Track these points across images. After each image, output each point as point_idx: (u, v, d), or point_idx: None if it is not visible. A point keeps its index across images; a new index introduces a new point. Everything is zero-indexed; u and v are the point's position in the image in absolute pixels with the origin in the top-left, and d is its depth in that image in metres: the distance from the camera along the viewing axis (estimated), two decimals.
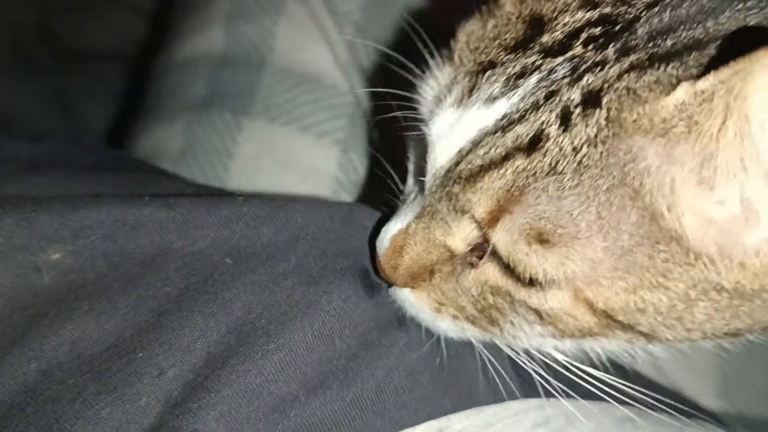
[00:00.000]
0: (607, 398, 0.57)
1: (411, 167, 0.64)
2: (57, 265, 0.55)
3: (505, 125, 0.50)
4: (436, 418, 0.56)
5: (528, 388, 0.59)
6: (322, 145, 0.88)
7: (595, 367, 0.59)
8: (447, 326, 0.60)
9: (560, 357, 0.59)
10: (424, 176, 0.56)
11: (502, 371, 0.59)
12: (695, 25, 0.49)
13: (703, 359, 0.64)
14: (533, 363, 0.59)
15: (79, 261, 0.56)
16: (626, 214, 0.48)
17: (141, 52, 1.22)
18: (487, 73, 0.53)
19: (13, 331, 0.53)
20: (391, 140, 0.65)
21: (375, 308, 0.59)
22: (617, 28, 0.50)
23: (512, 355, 0.59)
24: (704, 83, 0.44)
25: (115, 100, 1.28)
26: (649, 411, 0.57)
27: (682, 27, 0.49)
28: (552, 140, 0.49)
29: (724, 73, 0.42)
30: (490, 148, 0.50)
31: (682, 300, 0.50)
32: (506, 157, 0.50)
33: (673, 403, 0.58)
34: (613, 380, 0.57)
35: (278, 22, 0.90)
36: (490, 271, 0.55)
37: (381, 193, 0.67)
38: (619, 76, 0.48)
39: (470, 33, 0.57)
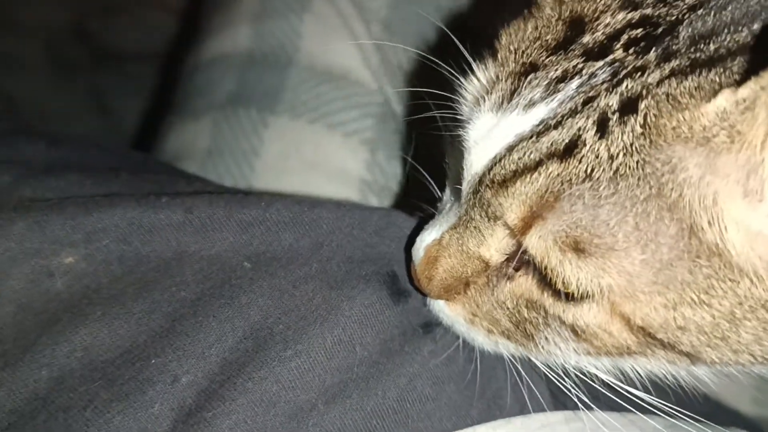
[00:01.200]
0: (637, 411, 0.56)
1: (449, 174, 0.64)
2: (70, 269, 0.56)
3: (541, 130, 0.50)
4: (462, 428, 0.56)
5: (558, 402, 0.59)
6: (350, 144, 0.89)
7: (635, 387, 0.58)
8: (481, 339, 0.60)
9: (599, 374, 0.58)
10: (461, 184, 0.56)
11: (532, 385, 0.58)
12: (740, 28, 0.48)
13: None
14: (568, 379, 0.58)
15: (93, 265, 0.56)
16: (665, 226, 0.47)
17: (174, 50, 1.25)
18: (529, 77, 0.52)
19: (25, 337, 0.53)
20: (429, 144, 0.65)
21: (400, 315, 0.59)
22: (659, 30, 0.50)
23: (546, 371, 0.59)
24: (745, 90, 0.43)
25: (150, 100, 1.31)
26: (681, 423, 0.56)
27: (726, 30, 0.48)
28: (588, 147, 0.48)
29: (765, 78, 0.42)
30: (525, 153, 0.50)
31: (727, 319, 0.49)
32: (540, 163, 0.49)
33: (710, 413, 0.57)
34: (654, 400, 0.57)
35: (304, 20, 0.92)
36: (525, 284, 0.55)
37: (419, 199, 0.67)
38: (659, 83, 0.47)
39: (512, 34, 0.57)
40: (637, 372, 0.58)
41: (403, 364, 0.57)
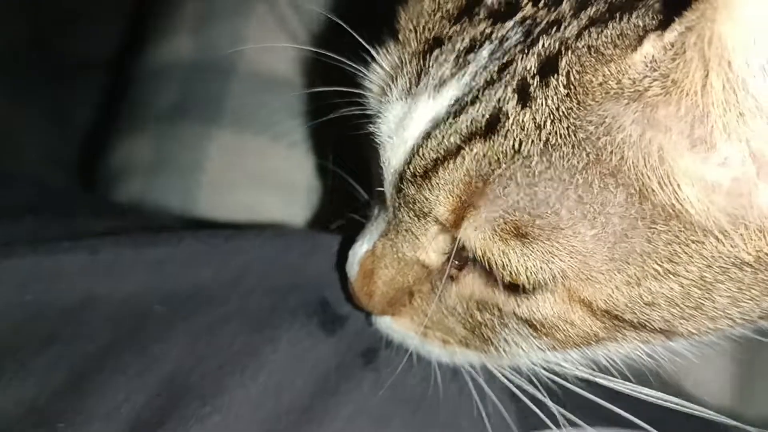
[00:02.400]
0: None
1: (373, 176, 0.59)
2: None
3: (457, 110, 0.46)
4: None
5: (527, 423, 0.54)
6: (295, 154, 0.86)
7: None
8: (437, 351, 0.56)
9: (572, 370, 0.54)
10: (381, 185, 0.52)
11: (497, 402, 0.54)
12: None
13: (716, 364, 0.59)
14: (540, 384, 0.54)
15: None
16: (611, 194, 0.43)
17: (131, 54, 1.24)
18: (434, 53, 0.48)
19: None
20: (350, 145, 0.61)
21: (336, 346, 0.55)
22: None
23: (508, 380, 0.55)
24: (671, 33, 0.39)
25: (108, 109, 1.27)
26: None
27: None
28: (512, 119, 0.44)
29: (689, 17, 0.37)
30: (444, 137, 0.46)
31: (698, 285, 0.45)
32: (462, 145, 0.45)
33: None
34: (636, 390, 0.52)
35: (246, 26, 0.89)
36: (472, 283, 0.51)
37: (346, 208, 0.63)
38: (578, 35, 0.43)
39: (410, 10, 0.53)
40: (612, 359, 0.53)
41: (338, 406, 0.52)
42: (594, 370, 0.54)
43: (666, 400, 0.53)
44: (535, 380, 0.54)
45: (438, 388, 0.55)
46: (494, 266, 0.46)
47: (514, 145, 0.43)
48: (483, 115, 0.45)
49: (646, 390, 0.53)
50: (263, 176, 0.85)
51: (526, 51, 0.45)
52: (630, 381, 0.53)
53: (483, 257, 0.46)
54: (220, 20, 0.91)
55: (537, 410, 0.53)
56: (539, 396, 0.53)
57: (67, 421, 0.49)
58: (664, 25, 0.40)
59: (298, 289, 0.57)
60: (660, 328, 0.47)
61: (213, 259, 0.57)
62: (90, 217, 0.70)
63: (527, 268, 0.45)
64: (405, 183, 0.48)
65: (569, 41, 0.43)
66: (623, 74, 0.41)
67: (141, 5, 1.20)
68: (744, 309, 0.47)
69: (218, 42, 0.90)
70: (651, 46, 0.40)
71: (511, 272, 0.45)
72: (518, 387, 0.55)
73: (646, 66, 0.40)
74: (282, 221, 0.84)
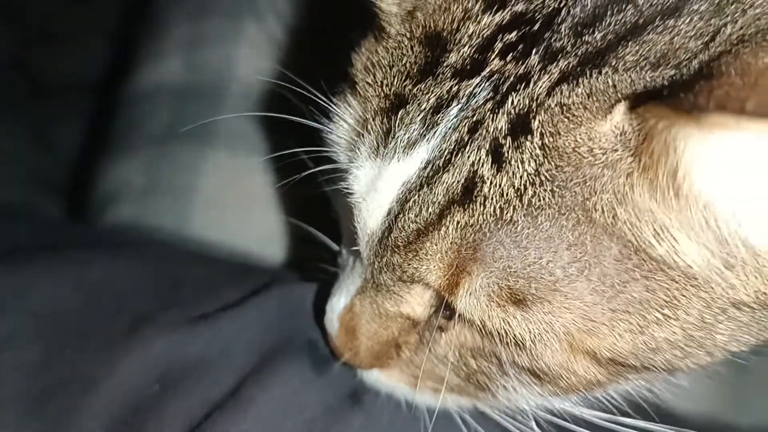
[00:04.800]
0: None
1: (342, 227, 0.59)
2: None
3: (430, 175, 0.45)
4: None
5: None
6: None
7: (610, 412, 0.55)
8: (428, 400, 0.56)
9: (570, 409, 0.55)
10: (356, 244, 0.51)
11: None
12: (624, 4, 0.43)
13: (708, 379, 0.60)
14: (534, 424, 0.55)
15: None
16: (605, 248, 0.43)
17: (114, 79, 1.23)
18: (399, 113, 0.47)
19: None
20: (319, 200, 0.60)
21: (324, 388, 0.56)
22: (536, 27, 0.44)
23: (501, 420, 0.55)
24: (637, 116, 0.39)
25: (92, 131, 1.26)
26: None
27: (609, 11, 0.43)
28: (488, 183, 0.43)
29: (652, 116, 0.38)
30: (421, 208, 0.45)
31: (698, 327, 0.45)
32: (442, 214, 0.44)
33: None
34: (633, 424, 0.53)
35: (238, 47, 0.90)
36: (464, 332, 0.51)
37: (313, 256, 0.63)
38: (549, 91, 0.42)
39: (366, 59, 0.52)
40: (611, 397, 0.54)
41: None
42: (591, 407, 0.54)
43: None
44: (529, 419, 0.55)
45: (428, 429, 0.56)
46: (495, 331, 0.46)
47: (495, 212, 0.43)
48: (458, 181, 0.44)
49: (643, 423, 0.53)
50: (257, 197, 0.85)
51: (495, 109, 0.44)
52: (628, 414, 0.54)
53: (483, 325, 0.46)
54: (211, 42, 0.90)
55: None
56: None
57: None
58: (636, 97, 0.40)
59: (285, 338, 0.58)
60: (662, 368, 0.48)
61: (196, 343, 0.57)
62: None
63: (531, 331, 0.45)
64: (387, 251, 0.48)
65: (540, 98, 0.43)
66: (593, 142, 0.41)
67: (127, 27, 1.19)
68: (742, 342, 0.47)
69: (209, 64, 0.90)
70: (620, 117, 0.40)
71: (512, 336, 0.45)
72: (513, 424, 0.55)
73: (616, 137, 0.41)
74: (274, 238, 0.84)
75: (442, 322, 0.51)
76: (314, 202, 0.63)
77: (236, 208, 0.85)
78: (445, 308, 0.49)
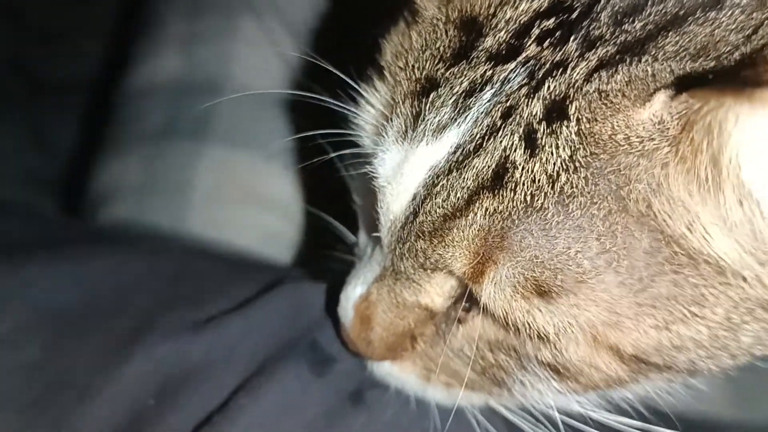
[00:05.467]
0: None
1: (360, 214, 0.59)
2: None
3: (460, 159, 0.45)
4: None
5: None
6: (285, 172, 0.86)
7: (625, 414, 0.54)
8: (440, 396, 0.55)
9: (586, 412, 0.54)
10: (377, 230, 0.51)
11: None
12: None
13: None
14: (542, 424, 0.54)
15: None
16: (636, 240, 0.42)
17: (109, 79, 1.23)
18: (431, 96, 0.47)
19: None
20: (331, 184, 0.60)
21: (324, 389, 0.55)
22: (574, 15, 0.44)
23: (511, 417, 0.55)
24: (679, 104, 0.39)
25: (89, 131, 1.27)
26: None
27: (649, 1, 0.43)
28: (520, 169, 0.43)
29: (700, 101, 0.38)
30: (449, 193, 0.45)
31: (724, 327, 0.45)
32: (471, 200, 0.44)
33: None
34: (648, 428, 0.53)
35: (235, 44, 0.89)
36: (483, 325, 0.50)
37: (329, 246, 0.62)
38: (587, 78, 0.42)
39: (397, 45, 0.52)
40: (628, 399, 0.54)
41: None
42: (608, 410, 0.54)
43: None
44: (542, 418, 0.55)
45: (436, 427, 0.55)
46: (519, 324, 0.45)
47: (525, 198, 0.43)
48: (488, 166, 0.44)
49: (657, 429, 0.53)
50: (254, 193, 0.85)
51: (530, 95, 0.44)
52: (645, 419, 0.54)
53: (506, 318, 0.45)
54: (207, 39, 0.90)
55: None
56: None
57: None
58: (675, 84, 0.40)
59: (288, 342, 0.57)
60: (684, 369, 0.48)
61: (198, 347, 0.57)
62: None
63: (554, 325, 0.44)
64: (411, 236, 0.47)
65: (577, 84, 0.43)
66: (631, 130, 0.41)
67: (123, 26, 1.20)
68: (766, 346, 0.47)
69: (206, 61, 0.89)
70: (660, 105, 0.40)
71: (536, 329, 0.45)
72: (524, 422, 0.55)
73: (654, 126, 0.41)
74: (273, 236, 0.84)
75: (460, 315, 0.51)
76: (332, 193, 0.62)
77: (234, 205, 0.85)
78: (465, 300, 0.49)
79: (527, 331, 0.45)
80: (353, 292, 0.54)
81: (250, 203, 0.85)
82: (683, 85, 0.40)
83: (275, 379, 0.54)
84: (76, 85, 1.30)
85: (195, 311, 0.59)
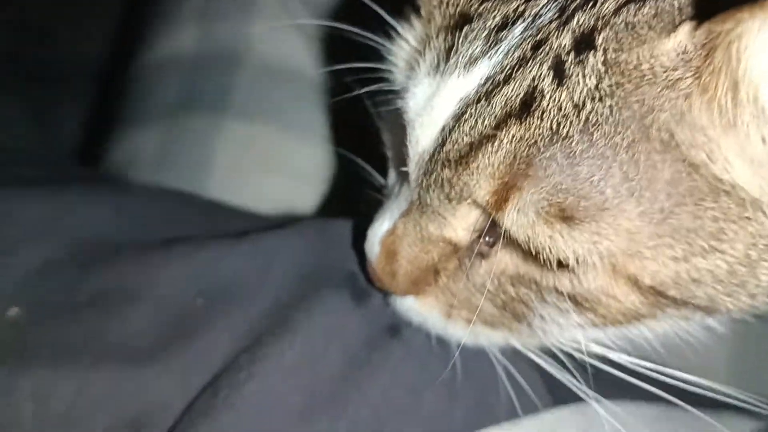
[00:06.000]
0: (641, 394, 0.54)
1: (389, 154, 0.60)
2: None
3: (489, 89, 0.46)
4: None
5: (556, 396, 0.56)
6: (305, 144, 0.87)
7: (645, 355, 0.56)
8: (461, 332, 0.57)
9: (605, 353, 0.56)
10: (406, 165, 0.53)
11: (523, 380, 0.56)
12: None
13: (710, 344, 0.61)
14: (562, 363, 0.56)
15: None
16: (658, 171, 0.44)
17: (115, 61, 1.25)
18: (464, 30, 0.49)
19: None
20: (358, 127, 0.62)
21: (364, 318, 0.57)
22: None
23: (535, 357, 0.56)
24: (702, 33, 0.40)
25: (91, 114, 1.31)
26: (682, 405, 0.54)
27: None
28: (548, 98, 0.44)
29: (722, 25, 0.39)
30: (477, 121, 0.46)
31: (743, 263, 0.46)
32: (498, 127, 0.46)
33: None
34: (665, 371, 0.54)
35: (253, 18, 0.90)
36: (505, 259, 0.52)
37: (357, 191, 0.64)
38: (616, 10, 0.44)
39: None
40: (647, 338, 0.55)
41: (373, 376, 0.54)
42: (626, 353, 0.55)
43: (694, 383, 0.55)
44: (562, 357, 0.56)
45: (462, 369, 0.57)
46: (540, 249, 0.47)
47: (551, 126, 0.44)
48: (517, 95, 0.45)
49: (673, 372, 0.55)
50: (274, 165, 0.87)
51: (560, 28, 0.45)
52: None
53: (528, 243, 0.47)
54: (225, 14, 0.91)
55: (565, 382, 0.55)
56: (567, 372, 0.55)
57: None
58: (701, 14, 0.41)
59: (325, 267, 0.59)
60: (702, 305, 0.49)
61: (237, 256, 0.58)
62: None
63: (575, 250, 0.46)
64: (438, 166, 0.49)
65: (606, 17, 0.44)
66: (655, 60, 0.42)
67: (129, 12, 1.22)
68: None
69: (224, 34, 0.91)
70: (684, 36, 0.41)
71: (557, 255, 0.46)
72: (545, 361, 0.57)
73: (678, 56, 0.42)
74: (295, 205, 0.85)
75: (483, 249, 0.52)
76: (363, 141, 0.64)
77: (254, 174, 0.86)
78: (487, 233, 0.51)
79: (548, 257, 0.47)
80: (380, 228, 0.56)
81: (271, 172, 0.87)
82: (707, 15, 0.41)
83: (324, 302, 0.56)
84: (79, 71, 1.32)
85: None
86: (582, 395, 0.55)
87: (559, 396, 0.56)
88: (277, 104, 0.88)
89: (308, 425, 0.52)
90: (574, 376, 0.55)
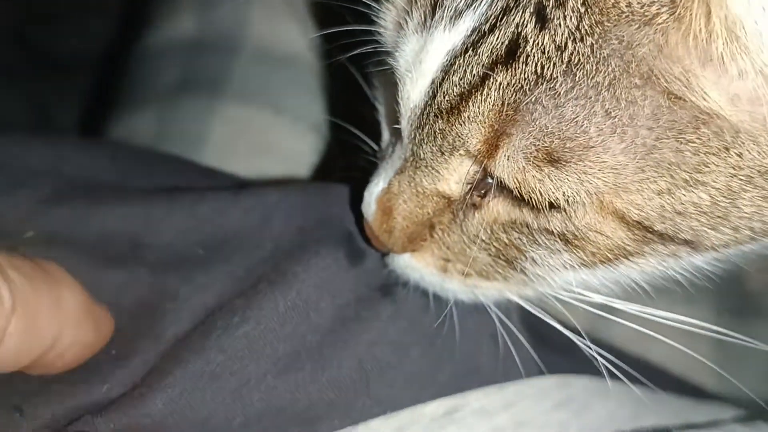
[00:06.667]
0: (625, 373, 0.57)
1: (382, 117, 0.63)
2: None
3: (476, 40, 0.48)
4: (431, 396, 0.56)
5: (543, 351, 0.58)
6: (299, 129, 0.90)
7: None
8: (457, 287, 0.59)
9: (594, 297, 0.58)
10: (399, 123, 0.55)
11: (512, 346, 0.58)
12: None
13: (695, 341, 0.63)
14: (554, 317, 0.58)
15: None
16: (638, 107, 0.46)
17: (114, 55, 1.26)
18: None
19: None
20: (349, 95, 0.64)
21: (356, 278, 0.58)
22: None
23: (529, 307, 0.59)
24: None
25: (90, 105, 1.33)
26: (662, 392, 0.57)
27: None
28: (531, 43, 0.46)
29: None
30: (465, 71, 0.48)
31: (725, 194, 0.48)
32: (486, 76, 0.48)
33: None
34: (649, 312, 0.57)
35: (251, 6, 0.93)
36: (497, 207, 0.54)
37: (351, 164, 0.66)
38: None
39: None
40: (635, 281, 0.57)
41: (360, 331, 0.56)
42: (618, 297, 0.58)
43: (679, 320, 0.57)
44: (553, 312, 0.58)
45: (454, 327, 0.59)
46: (530, 193, 0.49)
47: (536, 70, 0.46)
48: (502, 42, 0.47)
49: (657, 311, 0.57)
50: (267, 149, 0.89)
51: None
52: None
53: (519, 187, 0.49)
54: (223, 1, 0.94)
55: (556, 340, 0.57)
56: (557, 327, 0.58)
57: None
58: None
59: (323, 224, 0.60)
60: (687, 240, 0.51)
61: (240, 203, 0.60)
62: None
63: (564, 191, 0.48)
64: (429, 118, 0.51)
65: None
66: None
67: (128, 5, 1.24)
68: (766, 221, 0.50)
69: (222, 21, 0.93)
70: None
71: (547, 197, 0.48)
72: (539, 312, 0.59)
73: None
74: None
75: (475, 200, 0.54)
76: (357, 113, 0.66)
77: (246, 157, 0.88)
78: (479, 185, 0.53)
79: (539, 200, 0.49)
80: (376, 187, 0.58)
81: (264, 154, 0.89)
82: None
83: (321, 256, 0.58)
84: (80, 63, 1.34)
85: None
86: (577, 341, 0.57)
87: (546, 360, 0.59)
88: (273, 88, 0.90)
89: (291, 373, 0.54)
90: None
